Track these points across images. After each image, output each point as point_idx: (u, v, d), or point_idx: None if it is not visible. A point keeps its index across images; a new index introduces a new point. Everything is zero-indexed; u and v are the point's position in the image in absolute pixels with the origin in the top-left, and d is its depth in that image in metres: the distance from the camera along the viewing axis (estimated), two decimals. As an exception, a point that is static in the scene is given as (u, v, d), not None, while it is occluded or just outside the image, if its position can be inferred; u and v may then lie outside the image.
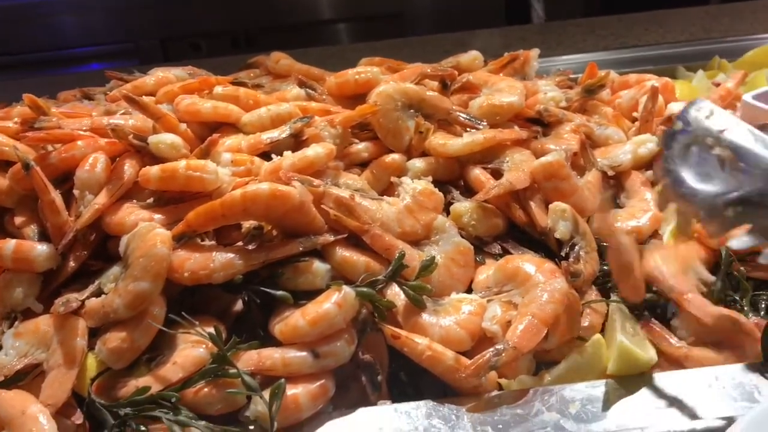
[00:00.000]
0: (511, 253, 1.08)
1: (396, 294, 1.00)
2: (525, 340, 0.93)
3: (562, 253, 1.05)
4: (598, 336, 0.98)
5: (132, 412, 0.87)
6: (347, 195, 1.06)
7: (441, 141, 1.20)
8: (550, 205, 1.08)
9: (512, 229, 1.14)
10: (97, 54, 4.16)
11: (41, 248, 1.01)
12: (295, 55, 1.69)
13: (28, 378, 0.94)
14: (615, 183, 1.24)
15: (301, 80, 1.44)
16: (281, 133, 1.19)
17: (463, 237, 1.08)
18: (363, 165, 1.22)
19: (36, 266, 1.01)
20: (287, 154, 1.12)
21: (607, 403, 0.89)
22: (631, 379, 0.93)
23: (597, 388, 0.91)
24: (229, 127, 1.24)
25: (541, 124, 1.29)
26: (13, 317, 1.00)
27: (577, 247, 1.05)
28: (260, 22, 3.62)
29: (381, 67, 1.48)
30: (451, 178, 1.21)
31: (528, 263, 1.01)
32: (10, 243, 1.01)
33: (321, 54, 2.22)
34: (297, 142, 1.20)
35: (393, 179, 1.15)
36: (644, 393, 0.90)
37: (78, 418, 0.89)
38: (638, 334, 0.98)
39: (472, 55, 1.48)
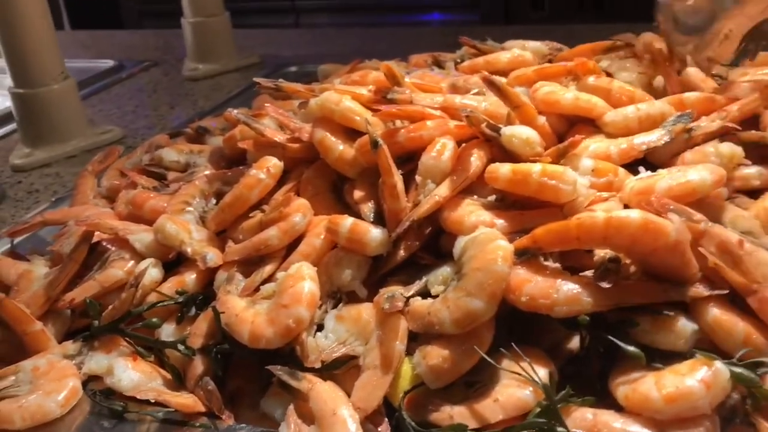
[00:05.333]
0: None
1: (783, 383, 0.77)
2: None
3: None
4: None
5: (442, 444, 0.79)
6: (735, 240, 0.83)
7: None
8: None
9: None
10: (439, 4, 4.24)
11: (376, 232, 0.96)
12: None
13: (343, 368, 0.90)
14: None
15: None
16: (659, 138, 1.00)
17: None
18: (752, 195, 0.98)
19: (368, 250, 0.96)
20: (662, 172, 0.92)
21: None
22: None
23: None
24: (587, 124, 1.08)
25: None
26: (338, 297, 0.97)
27: None
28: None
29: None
30: None
31: None
32: (347, 221, 0.97)
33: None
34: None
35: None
36: None
37: (385, 429, 0.83)
38: None
39: None
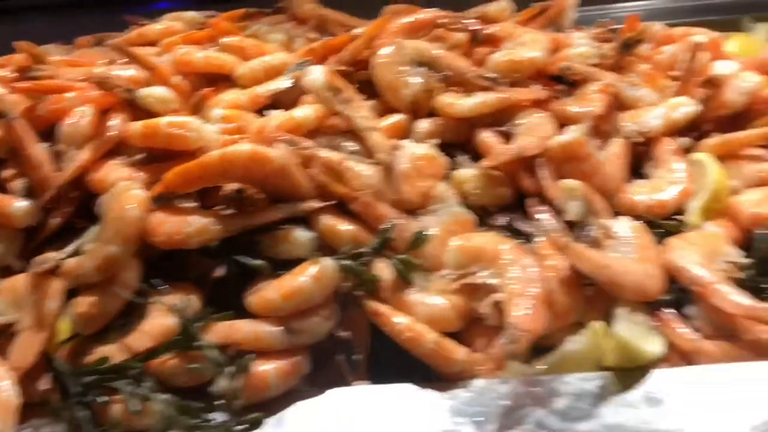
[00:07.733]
0: (514, 228, 0.99)
1: (384, 268, 0.93)
2: (533, 322, 0.84)
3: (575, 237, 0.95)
4: (596, 323, 0.88)
5: (95, 380, 0.85)
6: (336, 159, 0.98)
7: (449, 100, 1.10)
8: (560, 183, 0.97)
9: (522, 201, 1.04)
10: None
11: (19, 204, 0.98)
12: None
13: (2, 338, 0.92)
14: (644, 150, 1.12)
15: (319, 26, 1.35)
16: (281, 83, 1.12)
17: (466, 207, 1.00)
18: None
19: (15, 221, 0.98)
20: (275, 113, 1.05)
21: (599, 399, 0.81)
22: (631, 373, 0.84)
23: (590, 382, 0.83)
24: (226, 81, 1.18)
25: (567, 82, 1.17)
26: (-8, 274, 0.98)
27: (588, 230, 0.95)
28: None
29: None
30: (461, 141, 1.11)
31: (499, 241, 0.93)
32: (-11, 197, 0.99)
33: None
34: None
35: (393, 141, 1.06)
36: (642, 391, 0.82)
37: (44, 383, 0.87)
38: (645, 323, 0.89)
39: (500, 5, 1.36)
